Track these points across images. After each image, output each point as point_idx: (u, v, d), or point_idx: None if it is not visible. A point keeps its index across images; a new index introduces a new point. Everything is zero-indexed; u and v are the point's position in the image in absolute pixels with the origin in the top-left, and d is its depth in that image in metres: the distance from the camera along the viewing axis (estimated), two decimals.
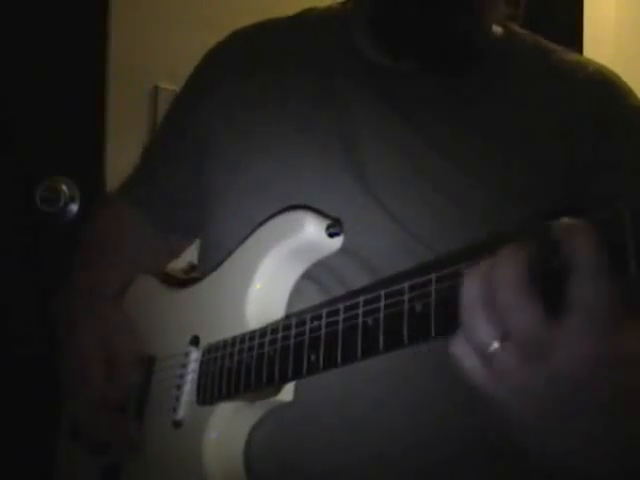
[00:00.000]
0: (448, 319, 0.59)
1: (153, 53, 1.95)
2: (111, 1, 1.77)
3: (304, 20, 1.02)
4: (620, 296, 0.52)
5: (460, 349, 0.57)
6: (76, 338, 0.95)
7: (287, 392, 0.81)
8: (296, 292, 0.84)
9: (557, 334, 0.53)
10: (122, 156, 1.79)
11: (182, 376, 0.88)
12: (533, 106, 0.87)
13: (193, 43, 1.91)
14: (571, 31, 2.54)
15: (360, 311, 0.67)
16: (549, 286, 0.54)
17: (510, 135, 0.86)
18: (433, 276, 0.62)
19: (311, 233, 0.80)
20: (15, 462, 1.56)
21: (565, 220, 0.54)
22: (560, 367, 0.54)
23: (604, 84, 0.89)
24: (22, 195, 1.64)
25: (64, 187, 1.65)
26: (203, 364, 0.86)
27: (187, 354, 0.89)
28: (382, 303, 0.66)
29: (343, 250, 0.82)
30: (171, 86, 1.94)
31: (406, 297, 0.64)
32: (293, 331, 0.74)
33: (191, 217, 1.04)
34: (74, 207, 1.66)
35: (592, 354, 0.53)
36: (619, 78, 0.90)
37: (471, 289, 0.57)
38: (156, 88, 1.98)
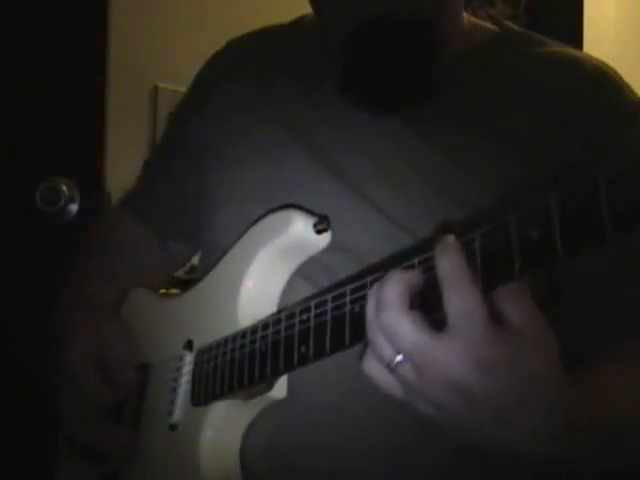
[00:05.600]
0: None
1: (153, 53, 1.96)
2: (111, 1, 1.77)
3: (297, 27, 1.03)
4: (488, 308, 0.57)
5: (369, 367, 0.62)
6: (72, 348, 0.95)
7: (280, 388, 0.81)
8: (292, 292, 0.84)
9: (439, 346, 0.58)
10: (122, 156, 1.80)
11: (176, 379, 0.88)
12: (529, 104, 0.87)
13: (193, 43, 1.92)
14: (571, 31, 2.54)
15: (348, 299, 0.67)
16: (431, 301, 0.59)
17: (505, 133, 0.86)
18: (416, 260, 0.63)
19: (299, 230, 0.80)
20: (15, 466, 1.56)
21: (441, 236, 0.60)
22: (447, 377, 0.58)
23: (601, 82, 0.88)
24: (22, 195, 1.64)
25: (64, 187, 1.65)
26: (197, 366, 0.86)
27: (181, 358, 0.88)
28: (368, 291, 0.66)
29: (339, 249, 0.82)
30: (171, 86, 1.94)
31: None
32: (283, 325, 0.74)
33: (193, 225, 1.04)
34: (74, 207, 1.66)
35: (469, 361, 0.57)
36: (617, 74, 0.90)
37: (368, 310, 0.61)
38: (156, 88, 1.99)
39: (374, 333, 0.61)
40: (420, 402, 0.61)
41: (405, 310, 0.59)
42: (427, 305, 0.60)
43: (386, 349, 0.60)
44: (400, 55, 0.84)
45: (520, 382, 0.59)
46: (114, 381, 0.93)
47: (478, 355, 0.57)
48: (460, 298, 0.57)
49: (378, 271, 0.65)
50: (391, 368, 0.60)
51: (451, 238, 0.59)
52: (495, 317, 0.58)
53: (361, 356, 0.63)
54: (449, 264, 0.58)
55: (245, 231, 0.85)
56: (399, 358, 0.59)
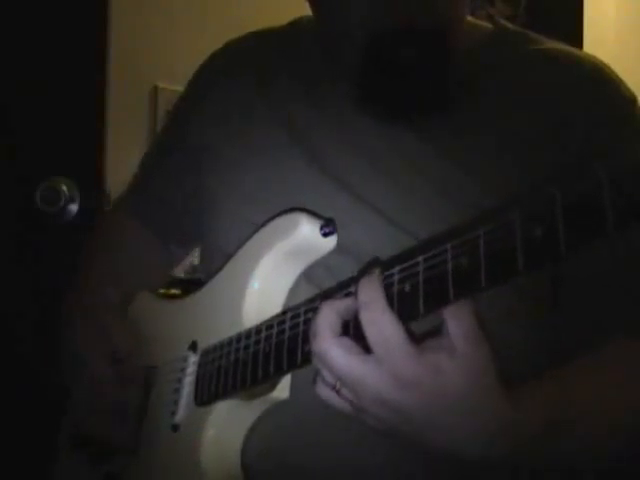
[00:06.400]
0: (434, 300, 0.63)
1: (153, 53, 1.96)
2: (111, 1, 1.77)
3: (296, 28, 1.03)
4: (405, 333, 0.62)
5: (321, 390, 0.67)
6: (81, 352, 0.94)
7: (283, 389, 0.81)
8: (293, 293, 0.84)
9: (366, 368, 0.63)
10: (122, 156, 1.80)
11: (180, 380, 0.88)
12: (529, 104, 0.87)
13: (193, 43, 1.92)
14: (571, 31, 2.54)
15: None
16: (358, 328, 0.64)
17: (505, 133, 0.86)
18: (421, 258, 0.64)
19: (306, 233, 0.80)
20: (15, 466, 1.56)
21: (369, 269, 0.66)
22: (376, 395, 0.64)
23: (600, 81, 0.88)
24: (22, 195, 1.64)
25: (64, 187, 1.65)
26: (201, 367, 0.86)
27: (185, 359, 0.89)
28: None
29: (339, 249, 0.82)
30: (171, 86, 1.94)
31: (395, 286, 0.65)
32: (288, 324, 0.75)
33: (191, 225, 1.04)
34: (74, 207, 1.66)
35: (391, 380, 0.63)
36: (613, 72, 0.90)
37: (309, 339, 0.67)
38: (156, 88, 1.99)
39: (314, 361, 0.67)
40: (365, 417, 0.66)
41: (332, 337, 0.64)
42: (360, 331, 0.64)
43: (327, 374, 0.66)
44: (419, 65, 0.84)
45: (443, 396, 0.63)
46: (124, 377, 0.93)
47: (399, 374, 0.62)
48: (376, 326, 0.62)
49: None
50: (336, 390, 0.66)
51: (375, 272, 0.65)
52: (437, 331, 0.63)
53: (314, 381, 0.68)
54: (366, 296, 0.63)
55: (252, 234, 0.85)
56: (339, 383, 0.65)
